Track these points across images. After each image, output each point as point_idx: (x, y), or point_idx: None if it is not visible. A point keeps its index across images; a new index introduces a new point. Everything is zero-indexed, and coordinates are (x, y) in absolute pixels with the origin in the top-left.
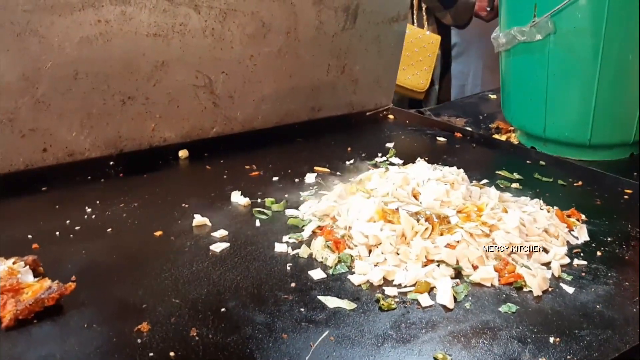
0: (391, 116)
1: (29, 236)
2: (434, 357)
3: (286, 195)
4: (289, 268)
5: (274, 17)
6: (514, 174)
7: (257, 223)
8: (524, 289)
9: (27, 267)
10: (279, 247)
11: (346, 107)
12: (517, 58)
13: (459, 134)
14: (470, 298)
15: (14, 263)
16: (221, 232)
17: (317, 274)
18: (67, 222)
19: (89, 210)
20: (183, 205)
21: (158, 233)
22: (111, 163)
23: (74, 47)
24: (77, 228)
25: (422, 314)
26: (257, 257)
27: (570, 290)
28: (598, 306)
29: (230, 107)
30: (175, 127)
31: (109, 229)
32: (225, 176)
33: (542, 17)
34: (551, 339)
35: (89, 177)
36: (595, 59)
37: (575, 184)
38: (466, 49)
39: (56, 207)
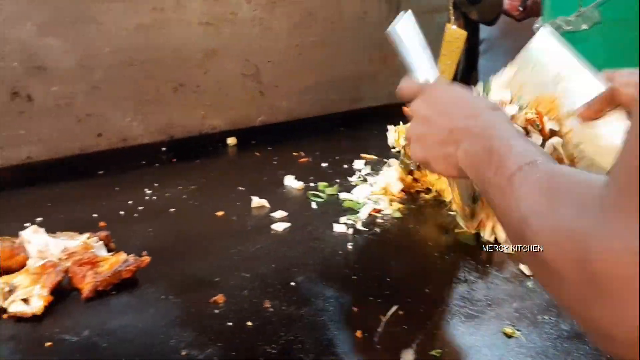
0: None
1: (94, 215)
2: (502, 331)
3: (337, 180)
4: (350, 247)
5: (319, 6)
6: None
7: (313, 205)
8: None
9: (101, 242)
10: (338, 228)
11: (386, 97)
12: None
13: None
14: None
15: (88, 238)
16: (280, 213)
17: None
18: (130, 202)
19: (148, 192)
20: (239, 188)
21: (219, 213)
22: (163, 149)
23: (129, 34)
24: (140, 208)
25: (486, 291)
26: (317, 236)
27: None
28: None
29: (275, 96)
30: (223, 115)
31: (172, 209)
32: (275, 162)
33: (589, 7)
34: None
35: (143, 162)
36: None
37: None
38: (494, 45)
39: (115, 189)
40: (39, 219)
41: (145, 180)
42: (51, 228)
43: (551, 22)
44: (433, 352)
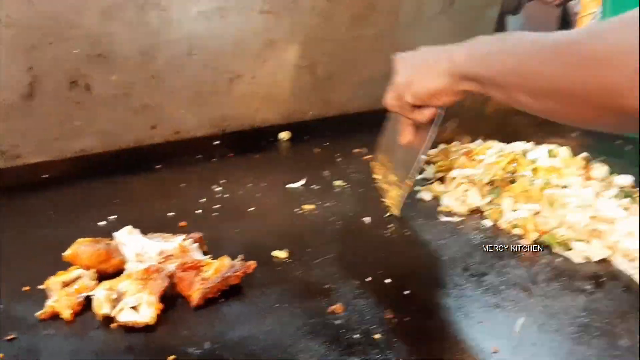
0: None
1: (170, 214)
2: None
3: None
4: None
5: None
6: None
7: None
8: None
9: (196, 244)
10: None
11: None
12: None
13: None
14: None
15: (184, 240)
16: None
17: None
18: (202, 200)
19: (218, 189)
20: (312, 187)
21: (309, 207)
22: (216, 142)
23: (191, 21)
24: (216, 207)
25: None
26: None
27: None
28: None
29: (328, 89)
30: (276, 108)
31: (251, 208)
32: (339, 159)
33: None
34: None
35: (199, 156)
36: None
37: None
38: None
39: (181, 185)
40: (113, 217)
41: (209, 176)
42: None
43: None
44: None
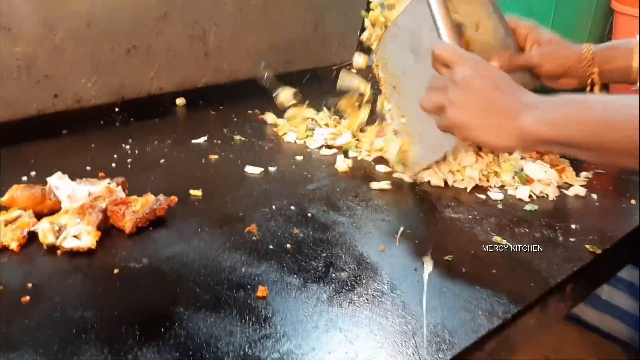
0: (354, 70)
1: (87, 168)
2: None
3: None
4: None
5: None
6: None
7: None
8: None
9: (119, 187)
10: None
11: (316, 61)
12: None
13: None
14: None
15: (109, 183)
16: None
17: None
18: (115, 156)
19: (127, 147)
20: (215, 141)
21: (213, 157)
22: (117, 109)
23: None
24: (129, 160)
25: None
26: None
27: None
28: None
29: (219, 58)
30: (171, 77)
31: (162, 160)
32: (235, 119)
33: None
34: (572, 226)
35: (101, 122)
36: None
37: None
38: None
39: (92, 146)
40: (33, 173)
41: (116, 138)
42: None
43: None
44: (447, 258)
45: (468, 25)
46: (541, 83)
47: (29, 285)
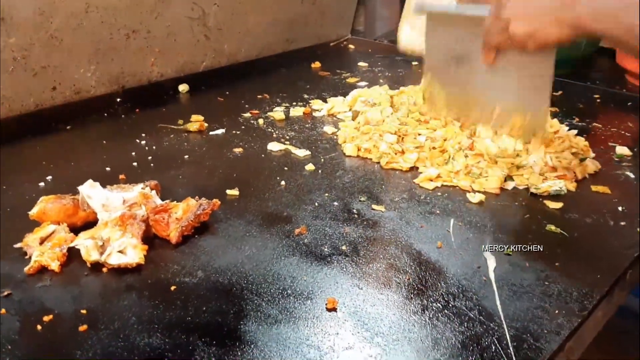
0: (351, 46)
1: (107, 168)
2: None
3: None
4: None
5: None
6: None
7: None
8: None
9: (154, 191)
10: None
11: (314, 38)
12: None
13: None
14: None
15: (142, 188)
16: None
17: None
18: (133, 154)
19: (142, 143)
20: (234, 132)
21: (238, 150)
22: (118, 100)
23: None
24: (149, 158)
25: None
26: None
27: None
28: None
29: (219, 39)
30: (171, 61)
31: (186, 156)
32: (247, 105)
33: None
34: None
35: (105, 114)
36: None
37: None
38: None
39: (104, 142)
40: (49, 177)
41: (126, 131)
42: (69, 185)
43: None
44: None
45: None
46: None
47: (83, 311)
